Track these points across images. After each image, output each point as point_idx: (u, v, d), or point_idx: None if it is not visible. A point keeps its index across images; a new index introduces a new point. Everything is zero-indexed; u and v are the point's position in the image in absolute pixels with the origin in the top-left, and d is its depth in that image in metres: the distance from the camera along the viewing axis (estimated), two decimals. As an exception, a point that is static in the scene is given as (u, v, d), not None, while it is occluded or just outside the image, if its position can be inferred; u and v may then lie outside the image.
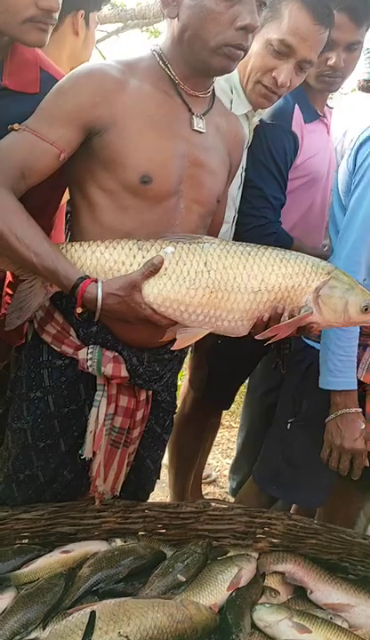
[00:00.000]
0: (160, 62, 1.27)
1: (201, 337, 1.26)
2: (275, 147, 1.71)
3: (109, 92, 1.20)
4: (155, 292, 1.20)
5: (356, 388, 1.54)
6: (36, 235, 1.18)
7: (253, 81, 1.58)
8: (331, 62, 1.70)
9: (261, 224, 1.69)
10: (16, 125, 1.19)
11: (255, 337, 1.25)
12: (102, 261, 1.21)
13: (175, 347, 1.26)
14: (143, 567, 1.31)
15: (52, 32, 1.22)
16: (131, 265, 1.20)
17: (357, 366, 1.56)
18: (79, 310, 1.19)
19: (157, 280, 1.19)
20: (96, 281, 1.18)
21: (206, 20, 1.18)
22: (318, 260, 1.29)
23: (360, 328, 1.54)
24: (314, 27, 1.51)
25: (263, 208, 1.70)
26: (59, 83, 1.23)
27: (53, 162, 1.20)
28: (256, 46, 1.55)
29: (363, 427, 1.55)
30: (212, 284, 1.20)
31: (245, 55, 1.25)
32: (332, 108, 1.97)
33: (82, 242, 1.24)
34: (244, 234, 1.70)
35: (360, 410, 1.55)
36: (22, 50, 1.28)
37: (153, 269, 1.18)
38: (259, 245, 1.26)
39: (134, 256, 1.20)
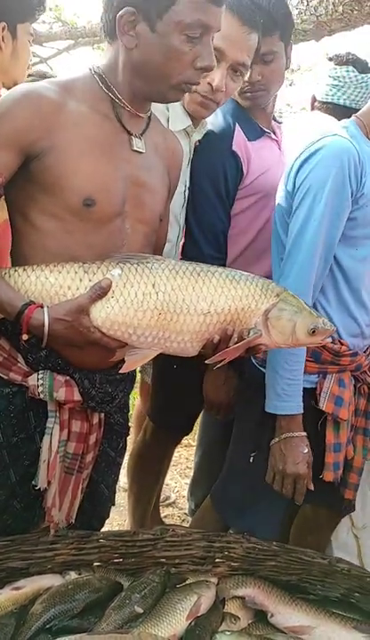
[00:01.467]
0: (102, 85, 1.26)
1: (150, 358, 1.25)
2: (214, 170, 1.71)
3: (47, 114, 1.18)
4: (103, 316, 1.18)
5: (302, 412, 1.54)
6: None
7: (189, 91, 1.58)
8: (247, 77, 1.70)
9: (195, 256, 1.69)
10: None
11: (205, 362, 1.25)
12: (47, 286, 1.18)
13: (124, 369, 1.25)
14: (99, 600, 1.26)
15: None
16: (77, 289, 1.18)
17: (319, 395, 1.57)
18: (25, 337, 1.15)
19: (105, 303, 1.17)
20: (42, 306, 1.15)
21: (171, 59, 1.19)
22: (268, 281, 1.29)
23: (319, 356, 1.55)
24: (241, 28, 1.53)
25: (202, 241, 1.72)
26: None
27: None
28: None
29: (306, 451, 1.56)
30: (160, 305, 1.19)
31: None
32: (280, 123, 2.00)
33: (25, 266, 1.21)
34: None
35: (305, 434, 1.55)
36: None
37: (100, 292, 1.16)
38: (208, 266, 1.25)
39: (81, 280, 1.18)
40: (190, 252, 1.75)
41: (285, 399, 1.53)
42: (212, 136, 1.72)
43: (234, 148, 1.72)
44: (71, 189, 1.19)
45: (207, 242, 1.73)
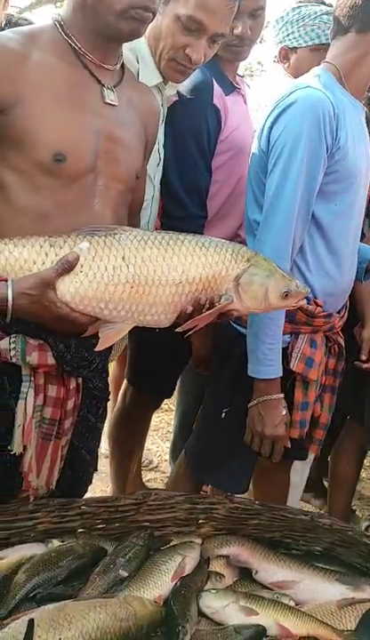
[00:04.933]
0: (62, 33, 1.19)
1: (125, 332, 1.23)
2: (197, 124, 1.66)
3: (10, 65, 1.12)
4: (72, 291, 1.14)
5: (280, 375, 1.54)
6: None
7: (166, 58, 1.52)
8: (237, 31, 1.66)
9: (182, 216, 1.68)
10: None
11: (176, 330, 1.23)
12: (12, 260, 1.14)
13: (100, 346, 1.22)
14: (83, 566, 1.25)
15: None
16: (43, 263, 1.14)
17: (290, 355, 1.56)
18: None
19: (73, 278, 1.14)
20: (6, 280, 1.11)
21: None
22: (239, 246, 1.27)
23: (293, 316, 1.54)
24: (224, 1, 1.45)
25: (187, 200, 1.68)
26: None
27: None
28: (165, 21, 1.48)
29: (284, 412, 1.57)
30: (131, 278, 1.16)
31: (153, 17, 1.19)
32: (243, 77, 1.97)
33: None
34: (169, 222, 1.69)
35: (282, 396, 1.56)
36: None
37: (67, 266, 1.12)
38: (177, 234, 1.22)
39: (46, 254, 1.14)
40: (175, 213, 1.71)
41: (266, 363, 1.52)
42: (191, 90, 1.67)
43: (215, 101, 1.68)
44: (40, 144, 1.14)
45: (192, 201, 1.70)
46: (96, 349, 1.24)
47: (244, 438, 1.61)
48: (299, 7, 2.09)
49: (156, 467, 2.85)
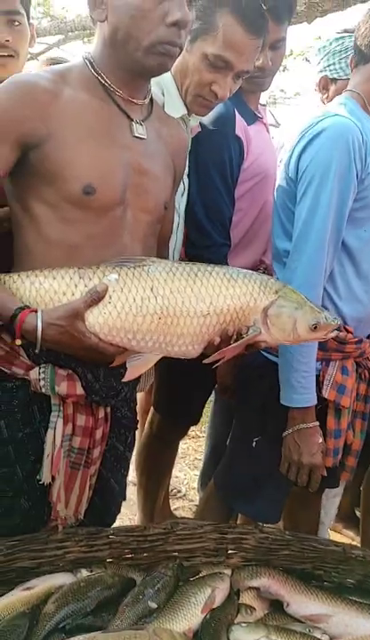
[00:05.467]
0: (92, 70, 1.23)
1: (153, 363, 1.23)
2: (220, 155, 1.70)
3: (42, 103, 1.16)
4: (100, 321, 1.16)
5: (316, 403, 1.52)
6: None
7: (193, 94, 1.57)
8: (259, 63, 1.69)
9: (206, 245, 1.70)
10: None
11: (203, 362, 1.23)
12: (42, 292, 1.16)
13: (128, 377, 1.23)
14: (112, 597, 1.24)
15: None
16: (72, 295, 1.16)
17: (322, 383, 1.55)
18: (18, 342, 1.14)
19: (102, 309, 1.15)
20: (35, 311, 1.13)
21: (136, 18, 1.15)
22: (267, 278, 1.27)
23: (324, 343, 1.53)
24: (250, 40, 1.49)
25: (212, 229, 1.71)
26: None
27: None
28: (192, 58, 1.53)
29: (320, 441, 1.54)
30: (159, 309, 1.17)
31: (180, 52, 1.22)
32: (265, 105, 2.00)
33: (20, 272, 1.19)
34: (193, 251, 1.72)
35: (318, 423, 1.54)
36: None
37: (96, 297, 1.14)
38: (205, 265, 1.23)
39: (76, 285, 1.16)
40: (200, 242, 1.73)
41: (300, 392, 1.51)
42: (215, 122, 1.71)
43: (237, 132, 1.72)
44: (71, 177, 1.17)
45: (216, 230, 1.72)
46: (124, 380, 1.25)
47: (280, 468, 1.58)
48: (342, 38, 2.09)
49: (184, 495, 2.83)
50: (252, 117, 1.80)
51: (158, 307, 1.17)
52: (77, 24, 5.64)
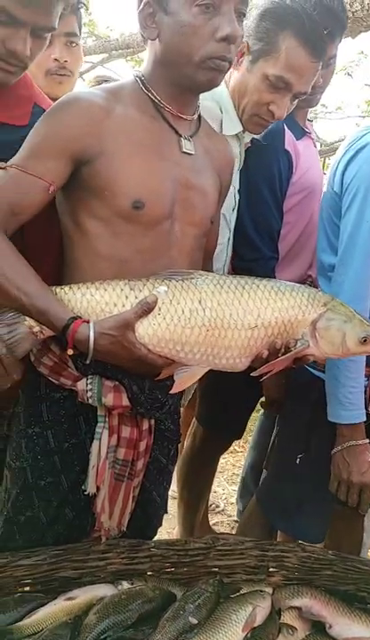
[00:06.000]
0: (143, 87, 1.26)
1: (200, 375, 1.23)
2: (269, 169, 1.72)
3: (96, 120, 1.19)
4: (150, 333, 1.17)
5: (365, 419, 1.50)
6: (27, 275, 1.16)
7: (250, 113, 1.59)
8: None
9: (255, 258, 1.71)
10: (1, 164, 1.17)
11: (251, 374, 1.23)
12: (93, 303, 1.18)
13: (175, 389, 1.24)
14: (153, 611, 1.24)
15: None
16: (123, 306, 1.18)
17: (368, 400, 1.52)
18: (70, 352, 1.16)
19: (152, 320, 1.17)
20: (88, 322, 1.15)
21: (187, 35, 1.17)
22: (315, 290, 1.27)
23: (369, 358, 1.51)
24: (311, 63, 1.52)
25: (260, 242, 1.72)
26: (44, 114, 1.22)
27: (43, 195, 1.19)
28: (253, 79, 1.55)
29: None
30: (207, 321, 1.18)
31: (230, 67, 1.24)
32: (311, 121, 2.03)
33: (71, 285, 1.21)
34: (241, 264, 1.72)
35: (367, 441, 1.51)
36: (17, 86, 1.27)
37: (146, 309, 1.16)
38: (253, 278, 1.24)
39: (126, 296, 1.18)
40: (249, 255, 1.75)
41: (348, 408, 1.49)
42: (264, 136, 1.73)
43: (286, 146, 1.74)
44: (121, 192, 1.19)
45: (264, 242, 1.74)
46: (171, 392, 1.25)
47: (329, 487, 1.56)
48: None
49: (223, 510, 2.81)
50: (300, 132, 1.82)
51: (206, 319, 1.18)
52: (121, 43, 5.75)
